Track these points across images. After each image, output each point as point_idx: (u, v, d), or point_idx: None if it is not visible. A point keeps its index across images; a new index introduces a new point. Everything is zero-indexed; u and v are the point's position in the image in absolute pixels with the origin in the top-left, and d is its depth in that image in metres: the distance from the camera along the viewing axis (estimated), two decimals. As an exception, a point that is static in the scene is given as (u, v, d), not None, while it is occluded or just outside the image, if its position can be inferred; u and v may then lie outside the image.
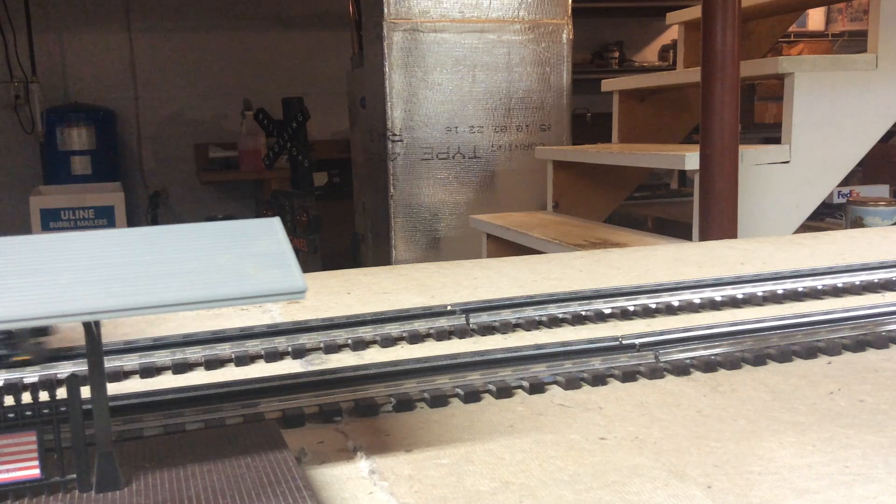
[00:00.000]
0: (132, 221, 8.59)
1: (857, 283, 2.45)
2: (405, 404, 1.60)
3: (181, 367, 1.86)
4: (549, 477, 1.29)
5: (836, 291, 2.42)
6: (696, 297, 2.30)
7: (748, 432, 1.45)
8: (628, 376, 1.73)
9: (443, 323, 2.10)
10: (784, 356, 1.84)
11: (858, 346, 1.90)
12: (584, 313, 2.19)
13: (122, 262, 1.12)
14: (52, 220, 7.72)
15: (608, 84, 5.74)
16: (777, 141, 4.40)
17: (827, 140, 4.33)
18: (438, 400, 1.62)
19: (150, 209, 9.43)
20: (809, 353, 1.86)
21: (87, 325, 1.10)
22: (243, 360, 1.90)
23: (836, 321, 2.03)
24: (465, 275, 2.74)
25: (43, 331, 1.97)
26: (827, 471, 1.29)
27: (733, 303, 2.31)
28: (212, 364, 1.88)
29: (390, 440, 1.45)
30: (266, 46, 8.38)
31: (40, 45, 7.76)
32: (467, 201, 5.34)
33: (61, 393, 1.12)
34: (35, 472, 1.12)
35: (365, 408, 1.58)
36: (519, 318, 2.16)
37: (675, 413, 1.55)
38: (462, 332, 2.08)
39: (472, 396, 1.63)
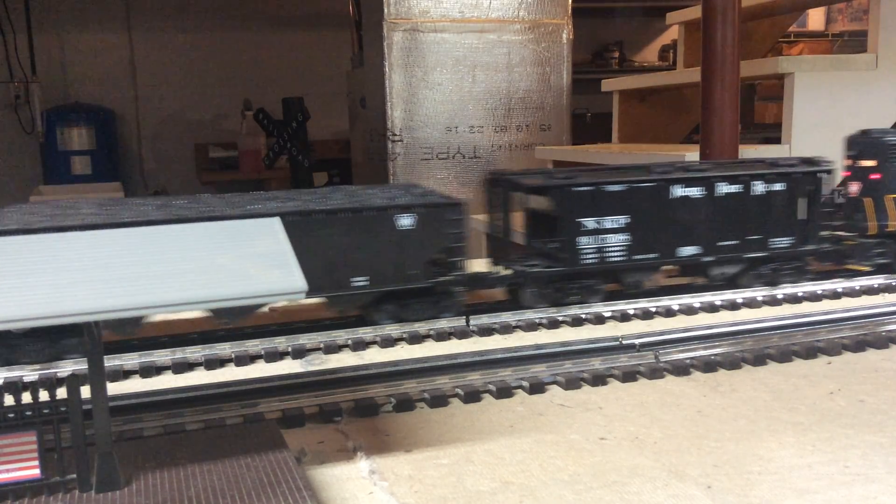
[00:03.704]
0: (132, 221, 8.52)
1: (857, 287, 2.44)
2: (405, 404, 1.60)
3: (181, 367, 1.86)
4: (549, 477, 1.29)
5: (835, 294, 2.41)
6: (695, 301, 2.29)
7: (748, 432, 1.45)
8: (628, 376, 1.73)
9: (442, 324, 2.10)
10: (784, 356, 1.84)
11: (858, 346, 1.90)
12: (583, 316, 2.19)
13: (122, 262, 1.12)
14: (52, 220, 7.66)
15: (608, 84, 5.73)
16: (777, 141, 4.38)
17: (827, 140, 4.31)
18: (438, 400, 1.61)
19: (150, 209, 9.36)
20: (809, 353, 1.86)
21: (87, 325, 1.10)
22: (243, 360, 1.90)
23: (836, 321, 2.03)
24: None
25: None
26: (827, 471, 1.29)
27: (732, 306, 2.30)
28: (212, 364, 1.88)
29: (390, 440, 1.45)
30: (266, 46, 8.36)
31: (40, 45, 7.75)
32: (467, 201, 5.32)
33: (61, 393, 1.12)
34: (35, 472, 1.12)
35: (365, 408, 1.58)
36: (519, 319, 2.15)
37: (675, 413, 1.55)
38: (462, 333, 2.08)
39: (472, 396, 1.63)
